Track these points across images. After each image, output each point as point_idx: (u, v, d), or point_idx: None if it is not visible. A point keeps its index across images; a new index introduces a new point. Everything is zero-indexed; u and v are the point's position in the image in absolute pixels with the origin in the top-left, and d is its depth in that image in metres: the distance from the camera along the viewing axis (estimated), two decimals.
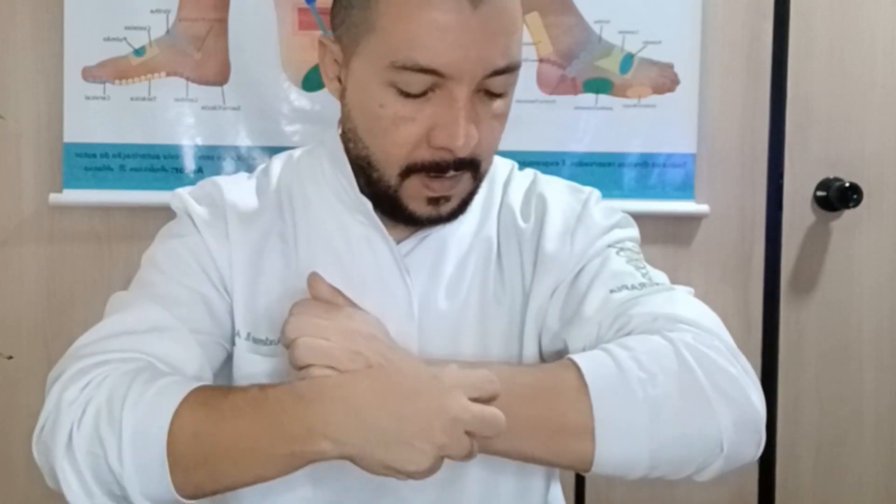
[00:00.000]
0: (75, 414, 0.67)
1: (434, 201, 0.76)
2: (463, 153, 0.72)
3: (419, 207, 0.76)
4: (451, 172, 0.74)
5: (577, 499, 1.46)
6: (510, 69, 0.73)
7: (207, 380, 0.76)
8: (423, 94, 0.71)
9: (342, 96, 0.78)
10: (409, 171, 0.74)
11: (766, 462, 1.47)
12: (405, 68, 0.70)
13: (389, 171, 0.75)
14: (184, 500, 0.67)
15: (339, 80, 0.78)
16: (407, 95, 0.71)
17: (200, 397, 0.68)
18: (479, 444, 0.65)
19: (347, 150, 0.80)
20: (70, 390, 0.69)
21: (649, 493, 1.54)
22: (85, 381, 0.69)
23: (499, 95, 0.74)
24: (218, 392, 0.69)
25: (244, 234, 0.81)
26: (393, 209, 0.78)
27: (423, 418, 0.63)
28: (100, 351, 0.73)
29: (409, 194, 0.76)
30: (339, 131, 0.82)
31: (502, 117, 0.76)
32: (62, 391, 0.69)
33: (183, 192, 0.85)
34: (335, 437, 0.64)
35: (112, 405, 0.67)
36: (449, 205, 0.77)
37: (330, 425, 0.64)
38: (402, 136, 0.73)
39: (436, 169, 0.73)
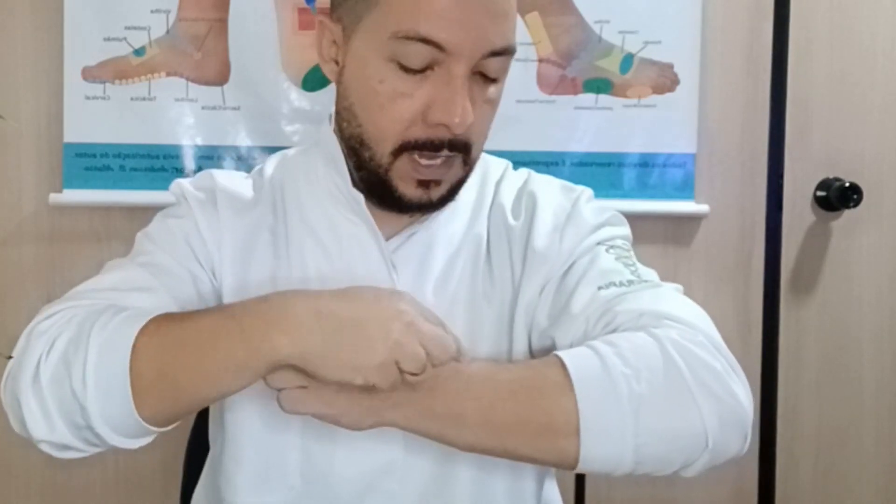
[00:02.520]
0: (44, 345, 0.68)
1: (424, 185, 0.76)
2: (459, 129, 0.72)
3: (409, 190, 0.77)
4: (445, 153, 0.74)
5: (576, 499, 1.45)
6: (506, 52, 0.74)
7: None
8: (423, 71, 0.72)
9: (339, 76, 0.79)
10: (401, 150, 0.75)
11: (766, 462, 1.47)
12: (408, 38, 0.71)
13: (382, 149, 0.75)
14: (144, 425, 0.67)
15: (336, 63, 0.79)
16: (407, 70, 0.72)
17: (168, 317, 0.70)
18: (468, 443, 0.67)
19: (341, 131, 0.80)
20: (42, 324, 0.70)
21: (650, 493, 1.54)
22: (57, 317, 0.71)
23: (493, 80, 0.75)
24: (187, 313, 0.72)
25: (236, 222, 0.83)
26: (382, 194, 0.78)
27: (382, 317, 0.66)
28: (78, 298, 0.74)
29: (400, 175, 0.76)
30: (333, 126, 0.83)
31: (494, 104, 0.77)
32: (34, 326, 0.71)
33: (181, 180, 0.87)
34: (293, 332, 0.65)
35: (81, 332, 0.68)
36: (439, 190, 0.78)
37: (289, 319, 0.66)
38: (398, 111, 0.73)
39: (430, 147, 0.74)
